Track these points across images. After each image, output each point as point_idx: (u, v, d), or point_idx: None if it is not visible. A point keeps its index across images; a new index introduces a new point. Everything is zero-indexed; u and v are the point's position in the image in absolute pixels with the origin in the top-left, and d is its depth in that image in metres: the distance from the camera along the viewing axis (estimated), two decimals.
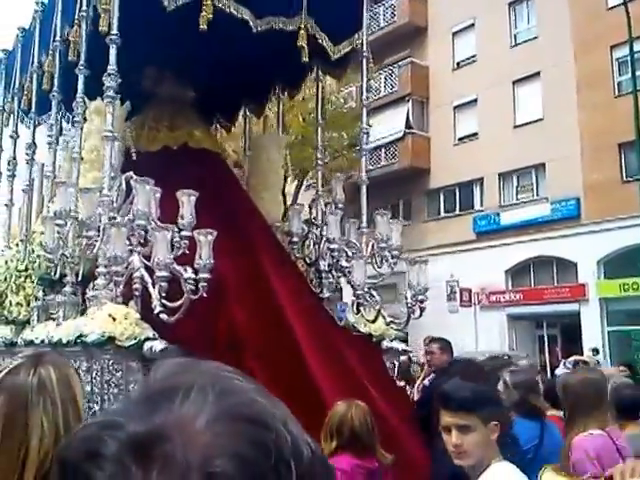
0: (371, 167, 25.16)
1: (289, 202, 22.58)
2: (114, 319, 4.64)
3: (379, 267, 7.00)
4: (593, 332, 18.93)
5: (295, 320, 5.82)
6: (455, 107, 23.79)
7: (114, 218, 5.16)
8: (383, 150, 24.86)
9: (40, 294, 5.99)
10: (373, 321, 6.49)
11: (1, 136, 8.58)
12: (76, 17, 6.07)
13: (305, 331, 5.73)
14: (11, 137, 8.34)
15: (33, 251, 6.33)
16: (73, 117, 6.15)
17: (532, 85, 21.54)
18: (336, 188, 8.09)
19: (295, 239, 7.22)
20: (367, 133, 8.08)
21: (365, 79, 7.77)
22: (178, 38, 6.13)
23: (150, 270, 4.86)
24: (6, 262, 6.76)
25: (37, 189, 9.19)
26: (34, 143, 7.74)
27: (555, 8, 20.68)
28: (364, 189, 7.97)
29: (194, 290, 4.67)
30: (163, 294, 4.74)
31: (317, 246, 7.17)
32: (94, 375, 4.64)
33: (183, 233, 5.07)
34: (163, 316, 4.71)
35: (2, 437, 1.46)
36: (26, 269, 6.33)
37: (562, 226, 19.96)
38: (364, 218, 7.44)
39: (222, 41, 6.47)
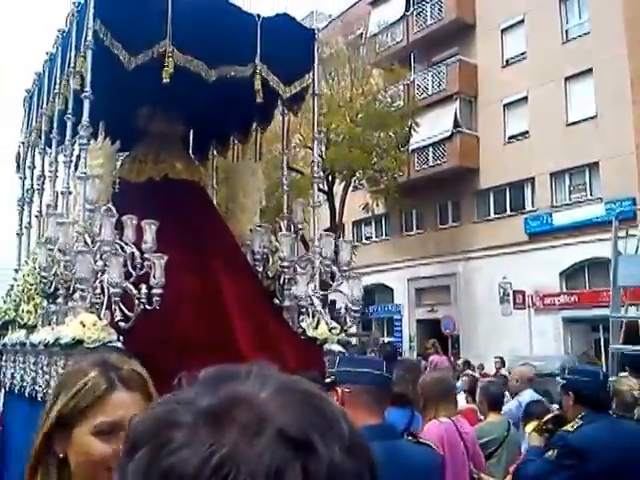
0: (419, 167, 24.97)
1: (337, 203, 22.75)
2: (84, 325, 5.75)
3: (328, 281, 8.11)
4: None
5: (239, 323, 6.91)
6: (505, 105, 23.39)
7: (87, 244, 6.42)
8: (431, 150, 24.60)
9: (44, 303, 7.05)
10: (316, 327, 7.56)
11: (25, 167, 9.71)
12: (81, 49, 6.97)
13: (248, 334, 6.83)
14: (29, 168, 9.57)
15: (35, 268, 7.44)
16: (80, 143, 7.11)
17: (585, 82, 21.02)
18: (296, 210, 9.13)
19: (257, 256, 8.40)
20: (318, 165, 9.19)
21: (317, 114, 8.92)
22: (155, 86, 7.00)
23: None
24: (23, 276, 7.89)
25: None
26: (43, 174, 8.82)
27: (608, 2, 20.14)
28: (314, 213, 9.03)
29: (150, 302, 5.91)
30: (121, 307, 5.89)
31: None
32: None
33: (145, 255, 6.34)
34: (121, 324, 5.89)
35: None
36: (34, 282, 7.42)
37: (617, 227, 19.38)
38: (315, 238, 8.42)
39: (194, 86, 7.38)
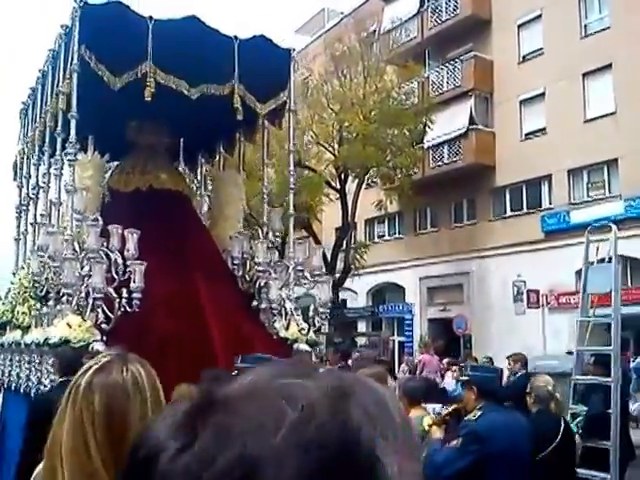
0: (434, 165, 24.68)
1: (350, 202, 22.54)
2: (70, 327, 6.23)
3: (299, 285, 8.92)
4: None
5: (214, 324, 7.47)
6: (521, 102, 23.07)
7: (76, 252, 6.98)
8: (446, 147, 24.32)
9: (37, 306, 7.54)
10: (287, 328, 8.19)
11: (22, 176, 10.32)
12: (67, 71, 7.66)
13: (222, 334, 7.36)
14: (25, 177, 10.13)
15: (29, 273, 7.98)
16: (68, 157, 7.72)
17: (603, 77, 20.68)
18: (274, 218, 9.80)
19: (236, 261, 9.03)
20: (293, 175, 10.04)
21: (292, 130, 9.63)
22: (142, 101, 7.62)
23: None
24: (19, 279, 8.38)
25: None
26: (38, 184, 9.44)
27: None
28: (291, 222, 9.58)
29: (130, 305, 6.63)
30: (104, 309, 6.59)
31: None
32: (55, 368, 6.28)
33: (128, 262, 6.92)
34: (104, 325, 6.54)
35: (105, 432, 1.48)
36: (28, 286, 7.97)
37: (636, 225, 19.03)
38: (291, 244, 9.15)
39: (179, 100, 8.08)
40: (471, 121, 23.76)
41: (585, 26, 21.76)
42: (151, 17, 7.71)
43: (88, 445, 1.46)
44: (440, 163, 24.50)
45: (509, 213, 23.45)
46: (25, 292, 7.97)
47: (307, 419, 0.49)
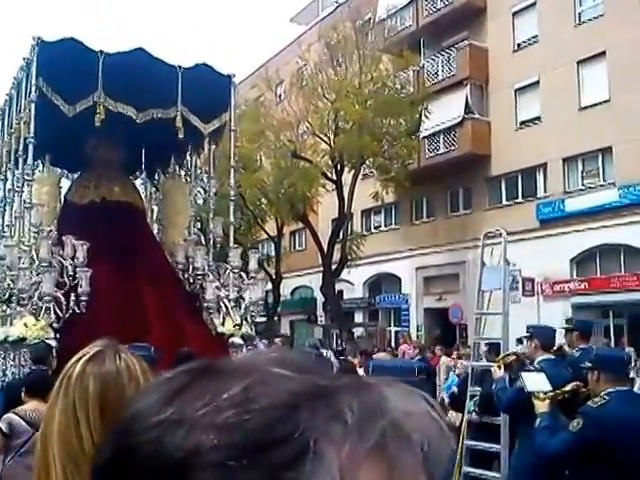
0: (429, 154, 24.67)
1: (346, 192, 22.54)
2: (27, 326, 7.21)
3: (235, 287, 9.95)
4: None
5: (156, 323, 8.33)
6: (516, 90, 23.02)
7: (33, 261, 8.09)
8: (442, 136, 24.28)
9: (4, 307, 8.54)
10: (223, 324, 9.25)
11: None
12: (26, 103, 8.88)
13: (163, 332, 8.04)
14: (1, 180, 11.07)
15: None
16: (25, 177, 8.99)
17: (598, 65, 20.62)
18: (216, 227, 10.86)
19: (180, 266, 10.17)
20: (236, 192, 11.59)
21: (232, 147, 10.76)
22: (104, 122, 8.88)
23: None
24: None
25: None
26: (5, 198, 10.53)
27: None
28: (232, 230, 10.60)
29: (79, 307, 7.86)
30: (57, 311, 7.72)
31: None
32: (16, 361, 7.52)
33: (77, 269, 7.99)
34: (55, 325, 7.55)
35: (99, 418, 1.47)
36: None
37: (630, 212, 19.08)
38: (232, 247, 10.29)
39: (132, 121, 9.26)
40: (467, 110, 23.71)
41: (579, 14, 21.68)
42: (101, 51, 8.82)
43: (80, 430, 1.45)
44: (436, 153, 24.47)
45: (505, 202, 23.46)
46: None
47: (246, 402, 0.46)
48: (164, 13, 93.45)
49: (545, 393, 4.52)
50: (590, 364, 4.18)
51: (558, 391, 4.57)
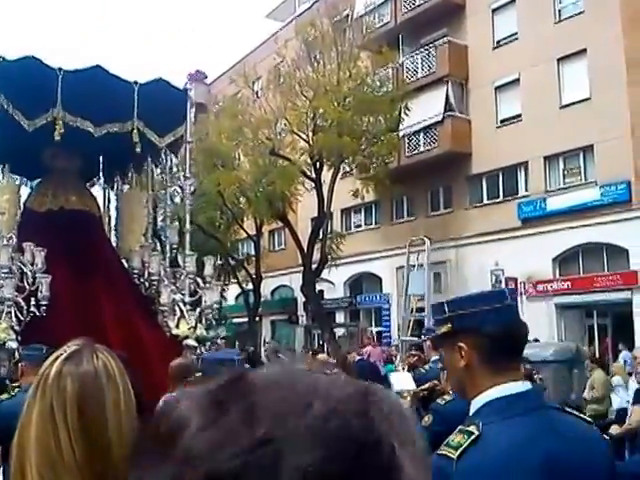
0: (409, 153, 24.43)
1: (326, 191, 22.23)
2: None
3: (191, 292, 10.34)
4: None
5: (111, 326, 8.69)
6: (496, 88, 22.87)
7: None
8: (422, 135, 24.05)
9: None
10: (177, 326, 9.59)
11: None
12: None
13: (119, 335, 8.35)
14: None
15: None
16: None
17: (578, 63, 20.53)
18: (170, 232, 11.38)
19: (136, 271, 10.55)
20: (192, 193, 12.43)
21: (188, 161, 11.30)
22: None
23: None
24: None
25: None
26: None
27: None
28: (187, 237, 11.22)
29: (39, 310, 8.27)
30: (17, 314, 8.22)
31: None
32: None
33: (37, 275, 8.36)
34: (16, 327, 7.99)
35: (78, 419, 1.41)
36: None
37: (612, 211, 19.02)
38: (186, 254, 10.76)
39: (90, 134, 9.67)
40: (447, 108, 23.51)
41: (559, 10, 21.56)
42: (60, 68, 9.22)
43: (58, 434, 1.38)
44: (416, 151, 24.24)
45: (485, 201, 23.29)
46: None
47: (333, 413, 0.49)
48: (140, 12, 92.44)
49: (409, 391, 5.15)
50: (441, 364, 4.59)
51: (417, 389, 5.25)
